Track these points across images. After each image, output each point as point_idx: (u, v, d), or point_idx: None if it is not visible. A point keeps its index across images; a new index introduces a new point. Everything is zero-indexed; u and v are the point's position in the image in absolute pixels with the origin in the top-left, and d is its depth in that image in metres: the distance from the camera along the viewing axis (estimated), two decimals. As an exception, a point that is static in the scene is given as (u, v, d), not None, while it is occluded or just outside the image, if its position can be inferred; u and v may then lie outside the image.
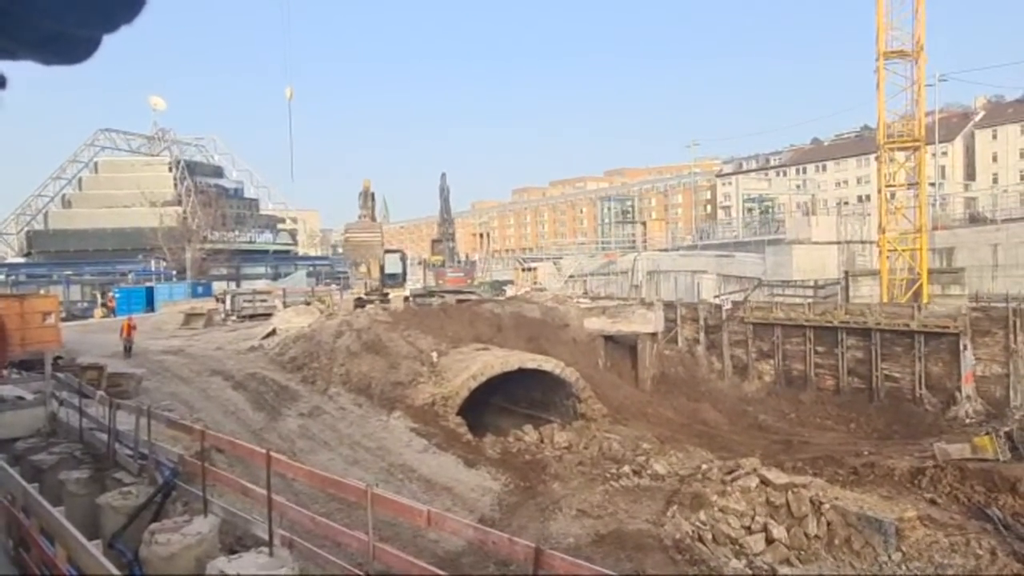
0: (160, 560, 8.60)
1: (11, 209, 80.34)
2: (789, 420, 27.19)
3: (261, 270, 69.18)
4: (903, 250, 33.41)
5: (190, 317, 40.13)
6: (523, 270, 56.90)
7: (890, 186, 33.84)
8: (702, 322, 32.66)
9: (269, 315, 37.33)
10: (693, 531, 15.66)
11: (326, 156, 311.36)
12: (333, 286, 55.49)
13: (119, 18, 1.06)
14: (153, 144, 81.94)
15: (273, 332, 31.09)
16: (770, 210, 73.02)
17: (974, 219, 45.03)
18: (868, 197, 70.61)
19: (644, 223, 69.22)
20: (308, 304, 37.65)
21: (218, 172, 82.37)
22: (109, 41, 1.12)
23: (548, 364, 24.70)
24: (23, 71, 1.11)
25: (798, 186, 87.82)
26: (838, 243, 40.39)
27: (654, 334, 31.85)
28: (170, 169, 73.95)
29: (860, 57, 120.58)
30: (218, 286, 55.55)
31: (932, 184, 50.09)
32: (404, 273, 38.87)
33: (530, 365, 24.36)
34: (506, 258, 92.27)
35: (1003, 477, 18.11)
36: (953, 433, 22.55)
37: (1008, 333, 24.35)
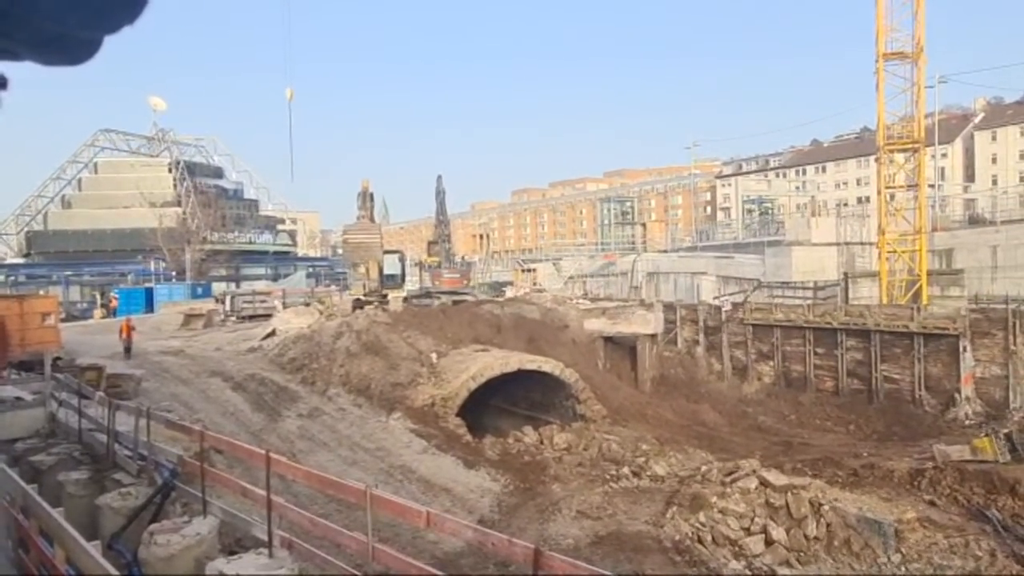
0: (159, 561, 8.61)
1: (11, 210, 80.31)
2: (788, 421, 27.19)
3: (261, 271, 69.13)
4: (902, 251, 33.44)
5: (189, 318, 40.12)
6: (523, 271, 56.94)
7: (890, 188, 33.89)
8: (701, 323, 32.67)
9: (269, 316, 37.32)
10: (692, 532, 15.66)
11: (326, 157, 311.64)
12: (333, 287, 55.47)
13: (121, 19, 1.06)
14: (153, 145, 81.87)
15: (273, 333, 31.07)
16: (770, 211, 73.05)
17: (973, 221, 45.04)
18: (868, 199, 70.64)
19: (644, 224, 69.35)
20: (308, 305, 37.64)
21: (218, 173, 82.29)
22: (109, 42, 1.12)
23: (548, 365, 24.70)
24: (23, 71, 1.11)
25: (798, 187, 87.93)
26: (838, 244, 40.42)
27: (653, 335, 31.86)
28: (170, 170, 73.86)
29: (860, 59, 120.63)
30: (218, 287, 55.56)
31: (932, 186, 50.19)
32: (403, 274, 38.87)
33: (529, 366, 24.35)
34: (506, 259, 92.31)
35: (1002, 479, 18.11)
36: (952, 434, 22.56)
37: (1007, 334, 24.37)
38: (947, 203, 54.90)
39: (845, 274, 36.78)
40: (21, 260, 69.93)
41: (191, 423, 14.25)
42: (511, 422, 25.28)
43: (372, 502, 7.77)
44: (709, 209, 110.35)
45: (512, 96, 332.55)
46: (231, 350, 29.77)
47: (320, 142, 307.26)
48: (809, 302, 32.87)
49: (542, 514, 16.78)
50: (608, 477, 19.62)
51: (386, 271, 36.08)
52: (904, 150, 33.67)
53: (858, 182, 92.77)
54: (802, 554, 15.47)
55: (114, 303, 48.92)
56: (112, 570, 7.24)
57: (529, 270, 56.37)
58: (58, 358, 22.38)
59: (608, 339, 31.63)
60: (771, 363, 30.25)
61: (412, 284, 42.83)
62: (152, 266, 56.62)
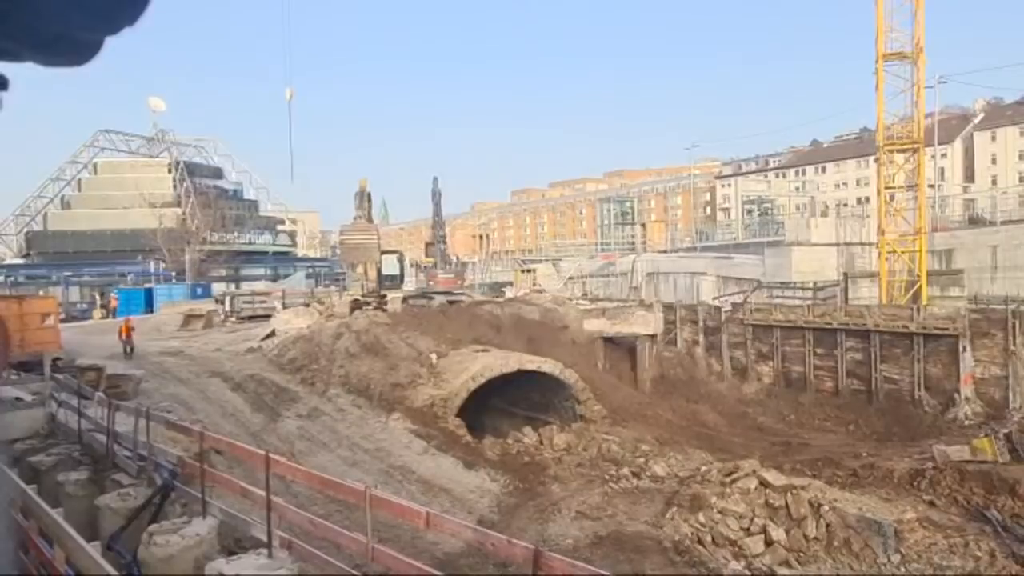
0: (159, 561, 8.61)
1: (10, 210, 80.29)
2: (788, 422, 27.20)
3: (260, 271, 69.07)
4: (902, 252, 33.45)
5: (189, 318, 40.10)
6: (522, 271, 56.90)
7: (889, 188, 33.88)
8: (701, 324, 32.67)
9: (268, 316, 37.27)
10: (692, 533, 15.66)
11: (326, 157, 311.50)
12: (333, 287, 55.45)
13: (122, 20, 1.07)
14: (152, 145, 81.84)
15: (272, 333, 31.05)
16: (769, 212, 73.02)
17: (973, 221, 45.05)
18: (867, 199, 70.69)
19: (643, 225, 69.36)
20: (307, 305, 37.60)
21: (217, 173, 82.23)
22: (109, 42, 1.12)
23: (547, 365, 24.69)
24: (23, 71, 1.12)
25: (797, 188, 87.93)
26: (837, 245, 40.42)
27: (653, 336, 31.86)
28: (169, 170, 73.80)
29: (859, 59, 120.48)
30: (217, 287, 55.48)
31: (931, 186, 50.23)
32: (402, 275, 38.85)
33: (529, 367, 24.34)
34: (506, 259, 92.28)
35: (1002, 479, 18.12)
36: (952, 435, 22.56)
37: (1007, 335, 24.37)
38: (947, 203, 54.93)
39: (845, 274, 36.76)
40: (20, 261, 69.91)
41: (191, 424, 14.24)
42: (511, 423, 25.27)
43: (372, 502, 7.78)
44: (709, 209, 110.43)
45: (512, 96, 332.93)
46: (231, 351, 29.75)
47: (320, 143, 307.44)
48: (809, 302, 32.87)
49: (542, 515, 16.78)
50: (608, 478, 19.62)
51: (385, 272, 36.02)
52: (904, 150, 33.68)
53: (858, 182, 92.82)
54: (802, 554, 15.47)
55: (114, 304, 48.88)
56: (111, 571, 7.25)
57: (529, 270, 56.35)
58: (58, 359, 22.38)
59: (608, 339, 31.63)
60: (771, 363, 30.26)
61: (413, 285, 42.86)
62: (152, 267, 56.61)
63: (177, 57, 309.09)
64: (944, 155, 77.77)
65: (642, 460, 20.93)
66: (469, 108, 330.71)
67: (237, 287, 58.41)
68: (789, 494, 16.51)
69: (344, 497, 9.67)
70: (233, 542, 9.69)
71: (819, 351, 28.80)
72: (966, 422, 23.77)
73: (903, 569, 14.89)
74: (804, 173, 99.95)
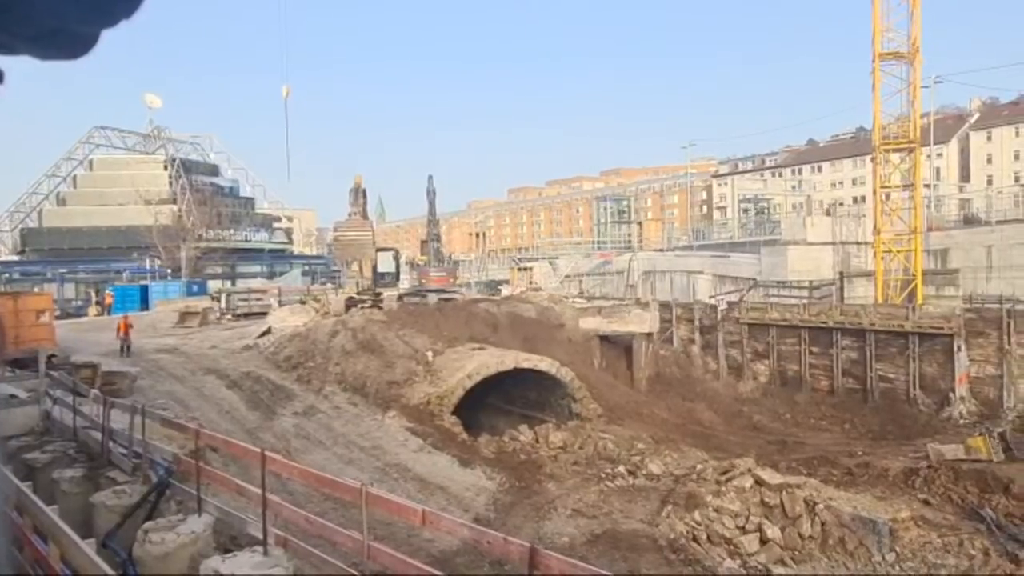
0: (154, 559, 8.59)
1: (5, 207, 79.99)
2: (784, 420, 27.27)
3: (256, 269, 69.01)
4: (898, 251, 33.54)
5: (185, 316, 40.02)
6: (519, 270, 56.85)
7: (885, 187, 33.98)
8: (697, 322, 32.73)
9: (264, 314, 37.24)
10: (688, 531, 15.68)
11: (323, 155, 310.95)
12: (329, 285, 55.40)
13: (118, 13, 1.06)
14: (148, 142, 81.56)
15: (268, 331, 31.02)
16: (766, 211, 73.11)
17: (968, 221, 45.16)
18: (863, 198, 70.82)
19: (640, 223, 69.28)
20: (303, 303, 37.56)
21: (213, 170, 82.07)
22: (105, 37, 1.11)
23: (544, 364, 24.71)
24: (18, 66, 1.11)
25: (794, 187, 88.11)
26: (833, 244, 40.51)
27: (649, 334, 31.90)
28: (165, 167, 73.59)
29: (856, 59, 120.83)
30: (213, 285, 55.38)
31: (927, 185, 50.30)
32: (397, 272, 38.79)
33: (525, 365, 24.36)
34: (502, 257, 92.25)
35: (996, 478, 18.21)
36: (947, 434, 22.66)
37: (1002, 334, 24.47)
38: (942, 203, 55.08)
39: (840, 274, 36.85)
40: (16, 257, 69.71)
41: (186, 421, 14.22)
42: (507, 421, 25.28)
43: (367, 500, 7.77)
44: (705, 208, 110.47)
45: (509, 95, 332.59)
46: (226, 348, 29.70)
47: (317, 140, 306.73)
48: (805, 301, 32.95)
49: (538, 512, 16.79)
50: (603, 476, 19.63)
51: (380, 269, 35.99)
52: (900, 150, 33.77)
53: (854, 182, 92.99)
54: (797, 553, 15.52)
55: (109, 300, 48.77)
56: (107, 568, 7.23)
57: (525, 269, 56.30)
58: (53, 355, 22.26)
59: (604, 338, 31.66)
60: (766, 362, 30.33)
61: (408, 283, 42.79)
62: (147, 264, 56.50)
63: (174, 53, 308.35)
64: (940, 155, 77.98)
65: (638, 458, 20.95)
66: (466, 106, 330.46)
67: (233, 284, 58.31)
68: (784, 492, 16.55)
69: (340, 495, 9.66)
70: (229, 540, 9.67)
71: (815, 350, 28.88)
72: (961, 421, 23.87)
73: (897, 568, 14.94)
74: (800, 172, 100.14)
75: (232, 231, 71.15)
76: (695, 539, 15.50)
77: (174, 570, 8.52)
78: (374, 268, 35.40)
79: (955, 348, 24.84)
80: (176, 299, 47.16)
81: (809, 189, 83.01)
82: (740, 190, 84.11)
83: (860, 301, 32.57)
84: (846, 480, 19.41)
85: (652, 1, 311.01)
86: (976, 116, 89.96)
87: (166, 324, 38.75)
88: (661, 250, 56.86)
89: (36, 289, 46.31)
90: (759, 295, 36.48)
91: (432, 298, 33.82)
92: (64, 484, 11.74)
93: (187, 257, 57.25)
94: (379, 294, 34.00)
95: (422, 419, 21.59)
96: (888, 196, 34.26)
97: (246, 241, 72.47)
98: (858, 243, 40.12)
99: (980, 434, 20.98)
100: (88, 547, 7.99)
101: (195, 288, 53.02)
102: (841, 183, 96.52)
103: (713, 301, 35.43)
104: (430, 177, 38.90)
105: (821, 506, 16.18)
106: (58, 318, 33.88)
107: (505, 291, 45.33)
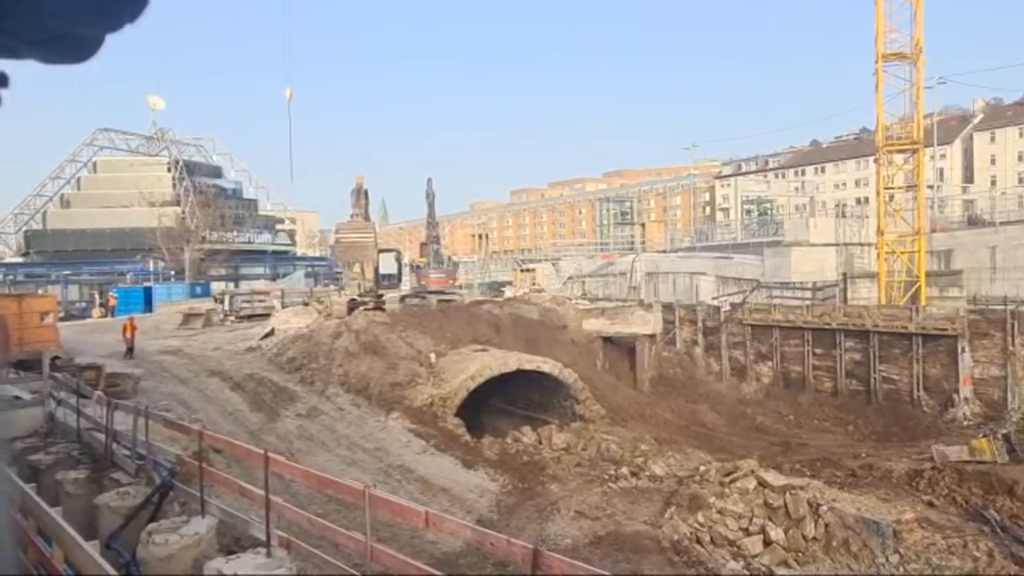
0: (158, 560, 8.60)
1: (9, 209, 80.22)
2: (787, 422, 27.21)
3: (260, 270, 69.04)
4: (901, 252, 33.48)
5: (188, 317, 40.11)
6: (522, 271, 56.85)
7: (888, 188, 33.92)
8: (700, 324, 32.68)
9: (267, 315, 37.28)
10: (691, 533, 15.66)
11: (326, 157, 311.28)
12: (332, 286, 55.44)
13: (123, 17, 1.06)
14: (152, 144, 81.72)
15: (271, 333, 31.05)
16: (768, 212, 73.04)
17: (972, 221, 45.08)
18: (867, 199, 70.69)
19: (643, 224, 69.11)
20: (306, 305, 37.61)
21: (217, 172, 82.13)
22: (109, 40, 1.12)
23: (547, 365, 24.69)
24: (23, 69, 1.11)
25: (797, 188, 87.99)
26: (836, 245, 40.43)
27: (652, 335, 31.86)
28: (169, 169, 73.71)
29: (859, 59, 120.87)
30: (216, 286, 55.48)
31: (930, 186, 50.29)
32: (400, 273, 38.78)
33: (528, 366, 24.34)
34: (505, 259, 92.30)
35: (1000, 479, 18.14)
36: (951, 435, 22.59)
37: (1006, 335, 24.40)
38: (946, 204, 55.01)
39: (844, 275, 36.79)
40: (20, 259, 69.82)
41: (190, 422, 14.24)
42: (510, 422, 25.27)
43: (370, 502, 7.77)
44: (708, 209, 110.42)
45: (511, 96, 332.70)
46: (230, 349, 29.76)
47: (320, 142, 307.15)
48: (808, 303, 32.88)
49: (540, 514, 16.78)
50: (607, 477, 19.62)
51: (382, 270, 35.93)
52: (903, 151, 33.70)
53: (857, 183, 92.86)
54: (800, 554, 15.47)
55: (113, 302, 48.91)
56: (110, 570, 7.24)
57: (528, 270, 56.30)
58: (56, 357, 22.34)
59: (607, 339, 31.63)
60: (770, 363, 30.28)
61: (409, 284, 42.78)
62: (151, 265, 56.57)
63: (177, 55, 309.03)
64: (943, 156, 77.82)
65: (641, 460, 20.93)
66: (469, 107, 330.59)
67: (236, 286, 58.41)
68: (788, 494, 16.51)
69: (343, 496, 9.66)
70: (232, 541, 9.68)
71: (818, 351, 28.82)
72: (965, 422, 23.80)
73: (901, 569, 14.89)
74: (803, 173, 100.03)
75: (235, 233, 71.23)
76: (698, 541, 15.48)
77: (178, 571, 8.53)
78: (376, 270, 35.38)
79: (959, 349, 24.77)
80: (180, 301, 47.28)
81: (812, 190, 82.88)
82: (743, 191, 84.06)
83: (864, 302, 32.50)
84: (850, 482, 19.35)
85: (655, 1, 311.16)
86: (980, 117, 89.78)
87: (170, 326, 38.85)
88: (664, 251, 56.77)
89: (40, 291, 46.35)
90: (762, 296, 36.42)
91: (433, 300, 33.81)
92: (68, 486, 11.77)
93: (191, 259, 57.34)
94: (381, 296, 33.95)
95: (425, 421, 21.59)
96: (891, 197, 34.19)
97: (249, 243, 72.54)
98: (861, 244, 40.04)
99: (984, 436, 20.90)
100: (92, 549, 8.01)
101: (199, 290, 53.13)
102: (844, 184, 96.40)
103: (716, 302, 35.37)
104: (429, 180, 38.96)
105: (825, 508, 16.13)
106: (62, 320, 34.01)
107: (508, 292, 45.31)
